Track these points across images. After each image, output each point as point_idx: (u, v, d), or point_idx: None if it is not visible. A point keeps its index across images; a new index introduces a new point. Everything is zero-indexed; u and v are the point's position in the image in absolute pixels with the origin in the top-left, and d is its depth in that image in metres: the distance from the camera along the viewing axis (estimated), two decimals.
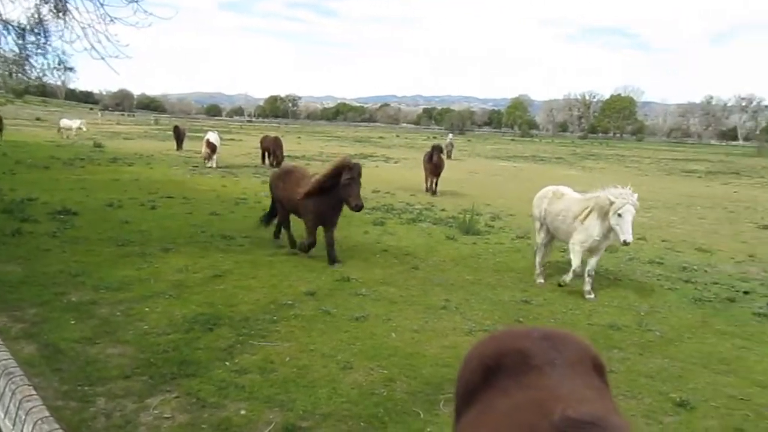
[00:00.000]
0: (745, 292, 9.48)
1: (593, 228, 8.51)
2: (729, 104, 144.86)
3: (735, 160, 56.60)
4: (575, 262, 8.83)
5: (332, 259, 9.73)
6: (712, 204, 21.33)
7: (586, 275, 8.81)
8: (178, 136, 33.82)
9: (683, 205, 20.61)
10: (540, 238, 9.72)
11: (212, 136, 25.31)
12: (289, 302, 7.67)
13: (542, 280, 9.42)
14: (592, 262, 8.83)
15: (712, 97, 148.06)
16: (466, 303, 8.10)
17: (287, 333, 6.64)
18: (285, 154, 27.47)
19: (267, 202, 16.08)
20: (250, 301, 7.62)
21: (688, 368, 6.35)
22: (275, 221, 11.22)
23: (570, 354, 2.50)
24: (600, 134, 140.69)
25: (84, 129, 39.40)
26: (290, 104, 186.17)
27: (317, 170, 10.43)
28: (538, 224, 9.80)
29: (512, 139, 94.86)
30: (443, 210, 16.52)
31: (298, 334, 6.61)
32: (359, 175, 9.23)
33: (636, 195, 8.31)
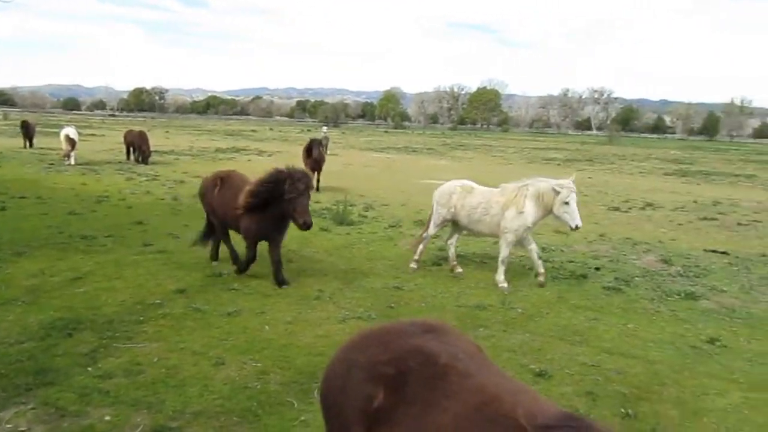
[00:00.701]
0: (596, 269, 10.29)
1: (529, 216, 8.71)
2: (584, 96, 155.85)
3: (589, 148, 60.98)
4: (505, 253, 8.93)
5: (279, 281, 8.33)
6: None
7: (500, 263, 9.00)
8: (28, 131, 31.30)
9: None
10: (434, 230, 9.76)
11: (70, 131, 23.74)
12: (158, 301, 7.40)
13: (416, 266, 9.68)
14: (533, 247, 9.11)
15: (568, 90, 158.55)
16: (340, 292, 8.19)
17: (155, 333, 6.41)
18: (153, 149, 26.29)
19: (133, 200, 15.45)
20: (114, 303, 7.26)
21: (547, 341, 6.81)
22: (212, 238, 9.66)
23: (462, 344, 2.52)
24: (468, 125, 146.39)
25: None
26: (157, 97, 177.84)
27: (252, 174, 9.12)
28: (440, 218, 9.61)
29: (386, 131, 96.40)
30: (317, 202, 16.51)
31: (166, 334, 6.40)
32: (308, 188, 7.99)
33: (572, 180, 8.63)
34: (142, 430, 4.48)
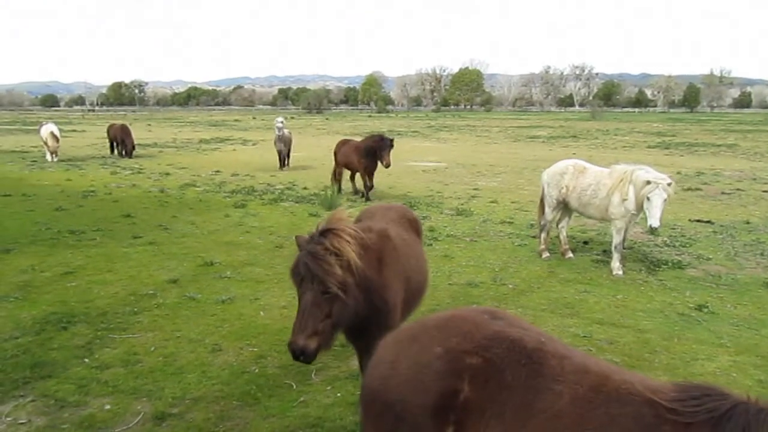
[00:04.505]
0: (585, 242, 10.40)
1: (631, 203, 8.33)
2: (565, 73, 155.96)
3: (573, 125, 61.08)
4: (617, 239, 8.56)
5: None
6: None
7: (614, 250, 8.63)
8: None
9: (529, 168, 21.99)
10: (551, 214, 9.38)
11: (54, 128, 23.39)
12: (151, 292, 7.40)
13: (548, 255, 9.42)
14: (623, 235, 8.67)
15: (550, 67, 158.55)
16: None
17: (150, 323, 6.42)
18: (136, 142, 26.04)
19: (119, 193, 15.36)
20: (107, 296, 7.26)
21: (539, 314, 6.90)
22: None
23: (530, 326, 2.44)
24: (452, 106, 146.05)
25: None
26: (137, 90, 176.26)
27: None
28: (553, 201, 9.28)
29: (369, 116, 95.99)
30: (305, 188, 16.53)
31: (162, 323, 6.42)
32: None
33: (670, 180, 8.09)
34: (143, 417, 4.52)
